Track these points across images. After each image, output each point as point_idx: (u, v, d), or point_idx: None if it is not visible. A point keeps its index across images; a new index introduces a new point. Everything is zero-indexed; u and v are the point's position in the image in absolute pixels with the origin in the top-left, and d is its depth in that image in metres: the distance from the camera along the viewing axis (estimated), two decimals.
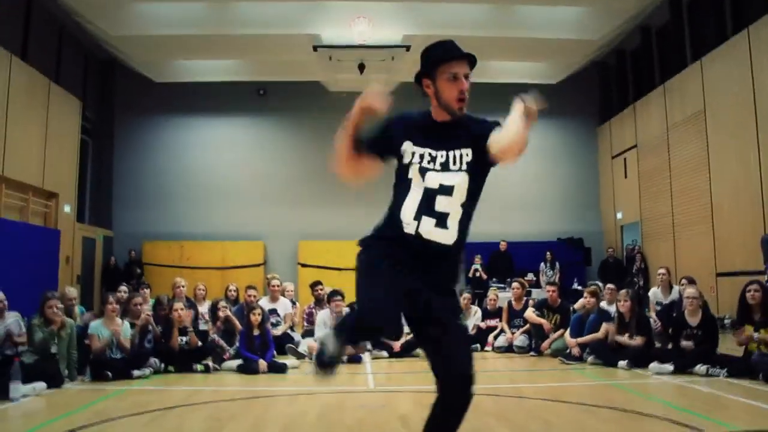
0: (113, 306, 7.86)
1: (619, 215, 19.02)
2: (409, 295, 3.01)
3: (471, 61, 3.31)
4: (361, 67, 16.63)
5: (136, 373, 7.55)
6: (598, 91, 20.26)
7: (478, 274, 17.01)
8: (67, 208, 15.52)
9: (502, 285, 14.46)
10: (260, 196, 19.25)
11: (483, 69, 19.65)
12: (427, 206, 3.09)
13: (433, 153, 3.14)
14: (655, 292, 10.21)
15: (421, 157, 3.14)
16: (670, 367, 7.35)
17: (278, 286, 10.67)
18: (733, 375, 6.89)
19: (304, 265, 18.43)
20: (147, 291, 10.26)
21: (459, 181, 3.13)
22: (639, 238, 17.81)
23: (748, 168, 12.80)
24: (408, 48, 15.89)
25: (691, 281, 9.10)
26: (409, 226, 3.09)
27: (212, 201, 19.17)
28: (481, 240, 18.28)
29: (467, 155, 3.17)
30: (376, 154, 3.20)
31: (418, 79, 3.31)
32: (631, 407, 5.48)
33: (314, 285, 10.88)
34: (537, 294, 13.98)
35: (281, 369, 8.11)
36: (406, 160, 3.15)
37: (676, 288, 9.79)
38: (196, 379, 7.69)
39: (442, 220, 3.10)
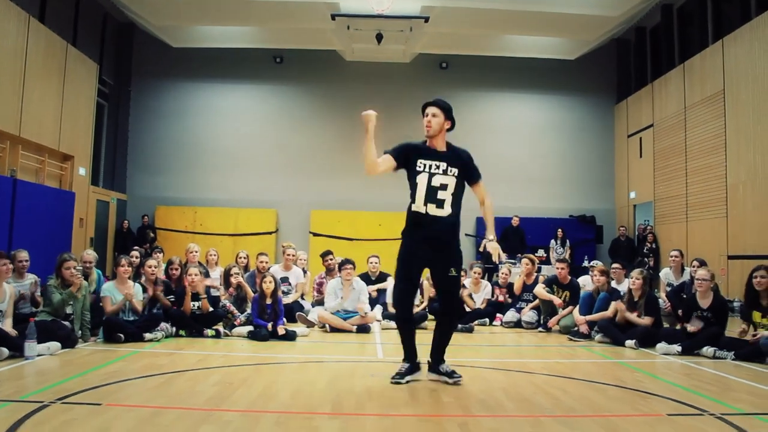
0: (125, 268, 7.96)
1: (632, 194, 18.93)
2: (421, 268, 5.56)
3: (438, 104, 5.44)
4: (379, 37, 16.51)
5: (147, 336, 7.65)
6: (617, 69, 20.06)
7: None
8: (81, 171, 15.61)
9: (513, 260, 14.47)
10: (274, 164, 19.30)
11: (501, 43, 19.57)
12: (432, 196, 5.28)
13: (438, 164, 5.35)
14: (666, 273, 10.22)
15: (430, 166, 5.34)
16: (677, 347, 7.37)
17: (293, 255, 10.72)
18: (740, 358, 6.90)
19: (315, 234, 18.51)
20: (160, 255, 10.35)
21: (451, 181, 5.33)
22: (651, 219, 17.76)
23: (765, 151, 12.70)
24: (427, 19, 15.75)
25: (702, 263, 9.08)
26: (421, 209, 5.32)
27: (226, 167, 19.23)
28: (494, 214, 18.33)
29: (457, 170, 5.38)
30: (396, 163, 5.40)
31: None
32: (637, 386, 5.51)
33: (325, 255, 10.94)
34: (547, 271, 13.98)
35: (291, 337, 8.19)
36: (419, 168, 5.33)
37: (687, 270, 9.78)
38: (206, 344, 7.78)
39: (440, 203, 5.30)
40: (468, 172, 5.41)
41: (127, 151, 19.26)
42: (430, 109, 5.37)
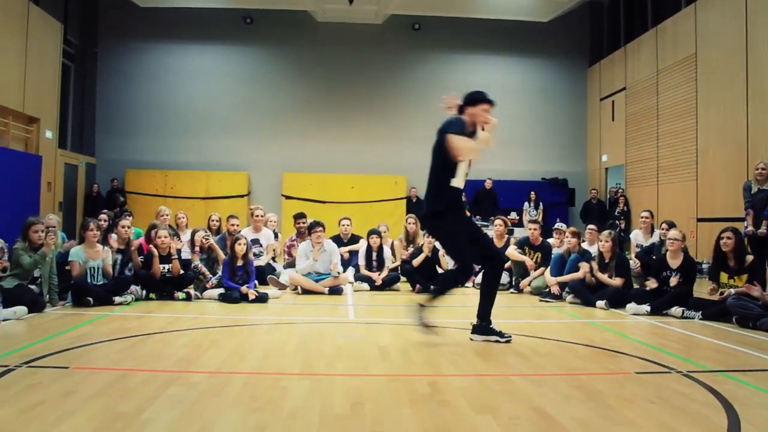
0: (94, 232, 7.83)
1: (604, 158, 19.03)
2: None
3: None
4: None
5: (117, 299, 7.58)
6: (590, 32, 20.02)
7: None
8: (48, 134, 15.27)
9: (486, 223, 14.50)
10: (246, 127, 19.09)
11: (474, 4, 19.38)
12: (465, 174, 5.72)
13: None
14: (636, 234, 10.31)
15: None
16: (646, 308, 7.45)
17: (261, 216, 10.64)
18: (707, 318, 7.00)
19: (288, 197, 18.41)
20: (131, 218, 10.19)
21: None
22: (623, 182, 17.89)
23: (735, 115, 12.79)
24: None
25: (672, 225, 9.16)
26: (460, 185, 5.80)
27: (198, 130, 18.97)
28: (467, 177, 18.34)
29: None
30: None
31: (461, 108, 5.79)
32: (606, 345, 5.58)
33: (297, 217, 10.86)
34: (519, 233, 14.04)
35: (262, 299, 8.16)
36: None
37: (657, 231, 9.87)
38: (177, 306, 7.72)
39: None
40: None
41: (95, 113, 18.91)
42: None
